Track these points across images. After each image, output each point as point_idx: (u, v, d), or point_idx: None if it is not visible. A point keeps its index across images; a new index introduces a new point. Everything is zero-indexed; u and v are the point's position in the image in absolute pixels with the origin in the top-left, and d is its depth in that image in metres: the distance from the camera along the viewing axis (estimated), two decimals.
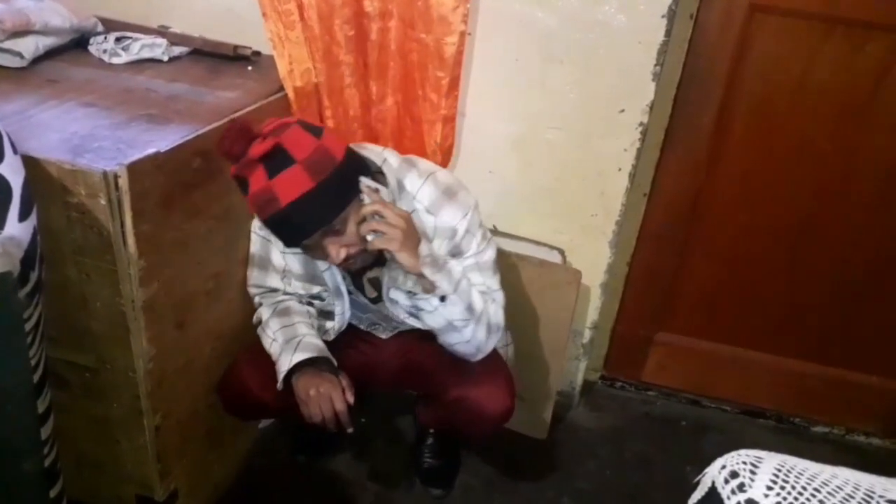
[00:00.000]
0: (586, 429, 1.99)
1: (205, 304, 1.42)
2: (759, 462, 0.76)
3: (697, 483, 0.82)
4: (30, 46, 1.48)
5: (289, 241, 1.26)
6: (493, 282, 1.41)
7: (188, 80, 1.53)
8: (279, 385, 1.38)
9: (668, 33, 1.55)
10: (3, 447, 0.97)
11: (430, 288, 1.26)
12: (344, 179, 1.18)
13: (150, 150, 1.17)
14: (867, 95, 1.65)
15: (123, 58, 1.58)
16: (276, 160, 1.12)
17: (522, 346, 1.85)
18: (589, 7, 1.55)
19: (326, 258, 1.25)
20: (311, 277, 1.47)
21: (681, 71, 1.69)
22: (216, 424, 1.56)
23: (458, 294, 1.28)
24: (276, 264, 1.47)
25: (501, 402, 1.41)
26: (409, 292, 1.28)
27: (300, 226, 1.18)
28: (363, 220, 1.21)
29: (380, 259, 1.36)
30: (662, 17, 1.54)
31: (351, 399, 1.37)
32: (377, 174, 1.33)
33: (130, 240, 1.15)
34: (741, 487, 0.74)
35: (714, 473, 0.78)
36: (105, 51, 1.58)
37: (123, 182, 1.11)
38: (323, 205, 1.16)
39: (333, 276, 1.42)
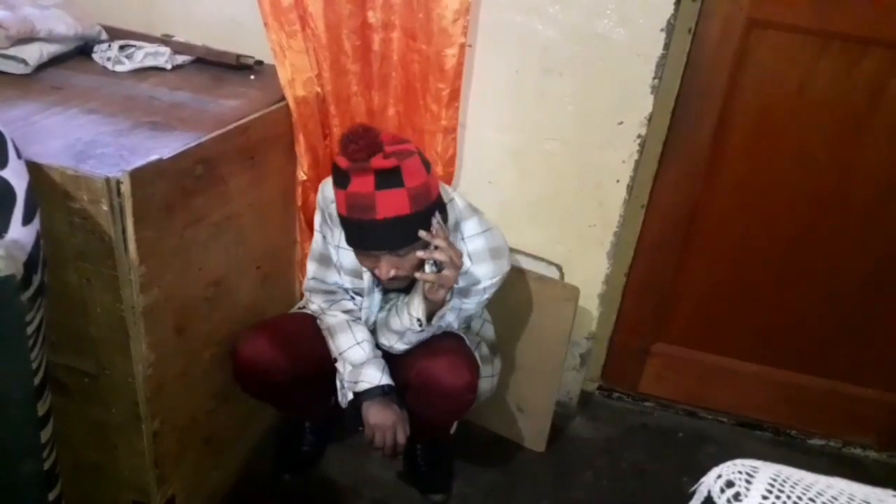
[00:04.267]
0: (583, 439, 1.99)
1: (204, 310, 1.43)
2: (755, 472, 0.77)
3: (693, 493, 0.83)
4: (34, 53, 1.49)
5: (357, 244, 1.33)
6: (456, 324, 1.56)
7: (191, 89, 1.54)
8: (349, 396, 1.50)
9: (666, 47, 1.57)
10: (2, 449, 0.97)
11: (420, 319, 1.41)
12: (429, 216, 1.30)
13: (153, 157, 1.18)
14: (864, 109, 1.67)
15: (127, 66, 1.59)
16: (390, 177, 1.22)
17: (520, 359, 1.86)
18: (588, 20, 1.57)
19: (373, 269, 1.36)
20: (356, 273, 1.53)
21: (679, 84, 1.70)
22: (214, 431, 1.56)
23: (426, 335, 1.48)
24: (332, 260, 1.54)
25: (462, 375, 1.44)
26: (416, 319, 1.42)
27: (380, 240, 1.28)
28: (426, 247, 1.31)
29: (408, 287, 1.45)
30: (661, 30, 1.55)
31: (408, 432, 1.50)
32: (441, 210, 1.40)
33: (132, 246, 1.16)
34: (737, 497, 0.75)
35: (710, 483, 0.79)
36: (109, 58, 1.60)
37: (126, 188, 1.11)
38: (406, 231, 1.27)
39: (371, 276, 1.49)
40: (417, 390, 1.47)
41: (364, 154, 1.22)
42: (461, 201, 1.47)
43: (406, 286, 1.45)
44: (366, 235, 1.29)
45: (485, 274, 1.45)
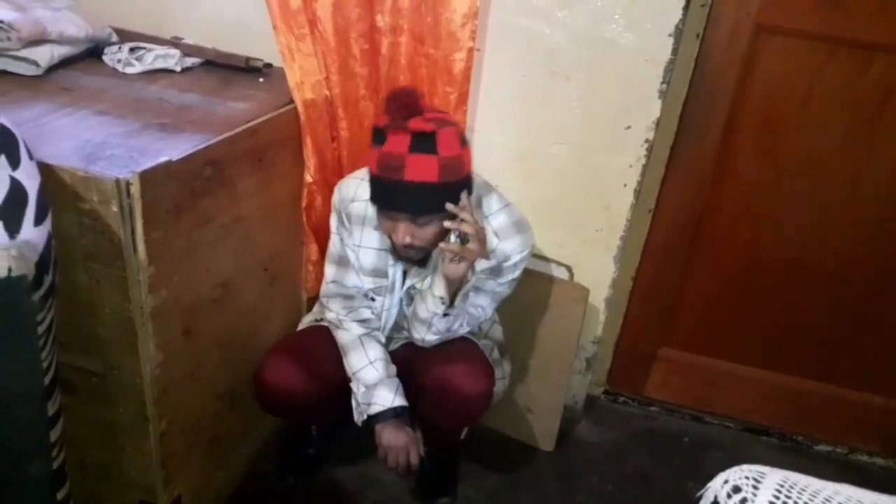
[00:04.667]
0: (588, 443, 1.98)
1: (212, 311, 1.43)
2: (762, 477, 0.77)
3: (700, 497, 0.83)
4: (45, 55, 1.50)
5: (380, 202, 1.34)
6: (490, 309, 1.55)
7: (200, 91, 1.55)
8: (364, 417, 1.50)
9: (674, 52, 1.57)
10: (12, 448, 0.98)
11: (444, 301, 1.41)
12: (457, 190, 1.30)
13: (162, 159, 1.18)
14: (871, 115, 1.67)
15: (137, 68, 1.60)
16: (424, 142, 1.24)
17: (530, 359, 1.86)
18: (596, 25, 1.57)
19: (391, 233, 1.36)
20: (378, 272, 1.52)
21: (687, 89, 1.70)
22: (220, 432, 1.57)
23: (453, 321, 1.47)
24: (351, 261, 1.54)
25: (479, 381, 1.45)
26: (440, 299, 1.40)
27: (403, 202, 1.29)
28: (453, 218, 1.30)
29: (422, 260, 1.44)
30: (669, 35, 1.55)
31: (422, 452, 1.54)
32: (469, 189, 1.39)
33: (141, 247, 1.16)
34: (744, 502, 0.74)
35: (717, 488, 0.79)
36: (119, 60, 1.61)
37: (135, 189, 1.12)
38: (430, 199, 1.28)
39: (395, 272, 1.50)
40: (433, 395, 1.47)
41: (404, 112, 1.24)
42: (479, 178, 1.47)
43: (421, 259, 1.43)
44: (391, 195, 1.29)
45: (514, 248, 1.44)
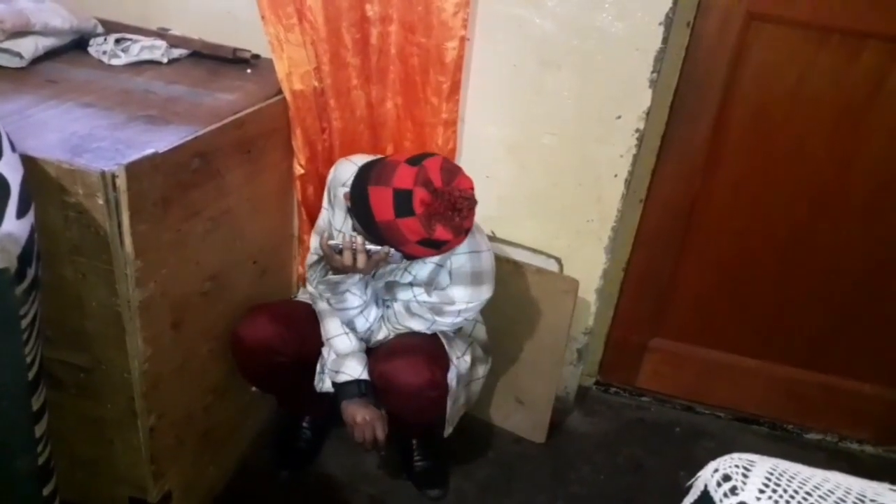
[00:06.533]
0: (580, 434, 1.99)
1: (201, 305, 1.42)
2: (752, 465, 0.77)
3: (690, 487, 0.83)
4: (29, 47, 1.49)
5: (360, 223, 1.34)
6: (427, 330, 1.54)
7: (187, 82, 1.53)
8: (327, 383, 1.52)
9: (665, 41, 1.57)
10: None
11: None
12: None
13: (149, 151, 1.17)
14: (862, 104, 1.67)
15: (123, 59, 1.59)
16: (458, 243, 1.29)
17: (521, 352, 1.86)
18: (587, 13, 1.56)
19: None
20: None
21: (677, 78, 1.70)
22: (211, 426, 1.56)
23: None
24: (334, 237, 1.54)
25: (418, 374, 1.43)
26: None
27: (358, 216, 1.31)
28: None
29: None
30: (660, 24, 1.55)
31: (386, 429, 1.52)
32: None
33: (127, 240, 1.15)
34: (733, 490, 0.74)
35: (707, 476, 0.78)
36: (104, 52, 1.59)
37: (121, 182, 1.11)
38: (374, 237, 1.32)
39: None
40: (381, 392, 1.49)
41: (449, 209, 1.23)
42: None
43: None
44: (360, 212, 1.29)
45: (460, 297, 1.45)
